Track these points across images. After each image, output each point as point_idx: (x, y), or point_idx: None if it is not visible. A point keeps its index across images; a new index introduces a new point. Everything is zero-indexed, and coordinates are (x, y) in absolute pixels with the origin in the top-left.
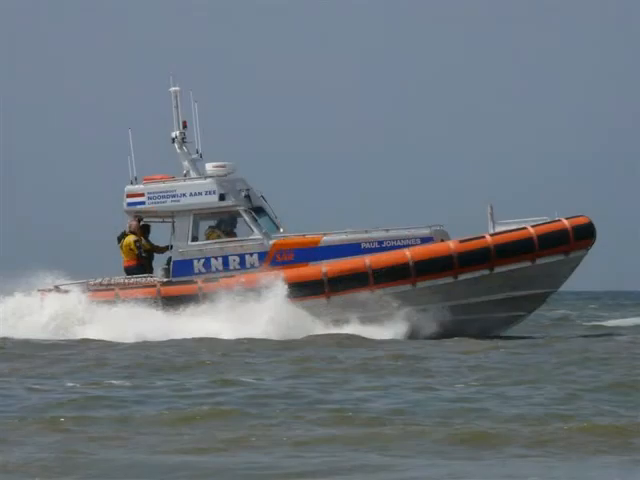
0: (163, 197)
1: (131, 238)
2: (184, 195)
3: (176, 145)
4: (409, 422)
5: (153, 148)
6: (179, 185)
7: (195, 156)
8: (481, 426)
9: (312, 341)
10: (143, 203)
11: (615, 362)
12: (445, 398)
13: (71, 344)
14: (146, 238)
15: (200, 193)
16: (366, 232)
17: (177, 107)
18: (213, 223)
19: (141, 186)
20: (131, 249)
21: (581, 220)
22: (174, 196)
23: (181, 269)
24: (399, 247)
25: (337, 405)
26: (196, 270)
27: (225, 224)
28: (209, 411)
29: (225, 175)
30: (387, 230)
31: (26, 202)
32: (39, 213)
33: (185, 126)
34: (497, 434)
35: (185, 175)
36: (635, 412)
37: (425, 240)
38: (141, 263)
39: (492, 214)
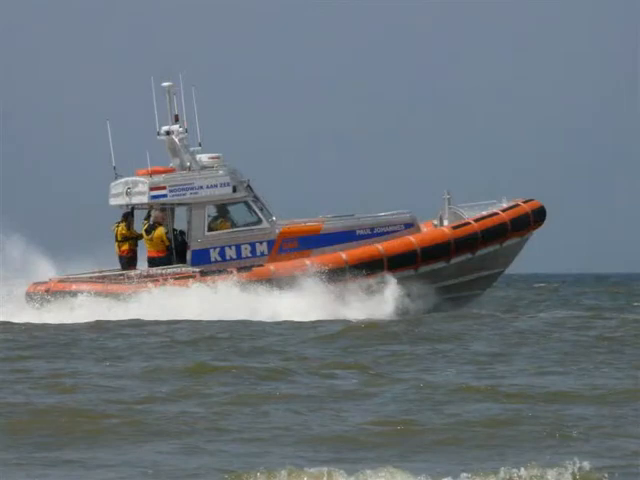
0: (183, 190)
1: (162, 230)
2: (201, 187)
3: (176, 139)
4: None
5: (139, 141)
6: (197, 178)
7: (197, 148)
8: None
9: None
10: (165, 196)
11: None
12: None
13: None
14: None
15: (216, 185)
16: (358, 218)
17: (170, 102)
18: (215, 214)
19: (161, 179)
20: (162, 241)
21: (536, 204)
22: (192, 188)
23: (199, 258)
24: (387, 233)
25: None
26: (212, 259)
27: (227, 214)
28: None
29: (225, 166)
30: (376, 216)
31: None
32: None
33: (177, 120)
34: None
35: (189, 168)
36: None
37: (408, 226)
38: (170, 254)
39: (449, 199)
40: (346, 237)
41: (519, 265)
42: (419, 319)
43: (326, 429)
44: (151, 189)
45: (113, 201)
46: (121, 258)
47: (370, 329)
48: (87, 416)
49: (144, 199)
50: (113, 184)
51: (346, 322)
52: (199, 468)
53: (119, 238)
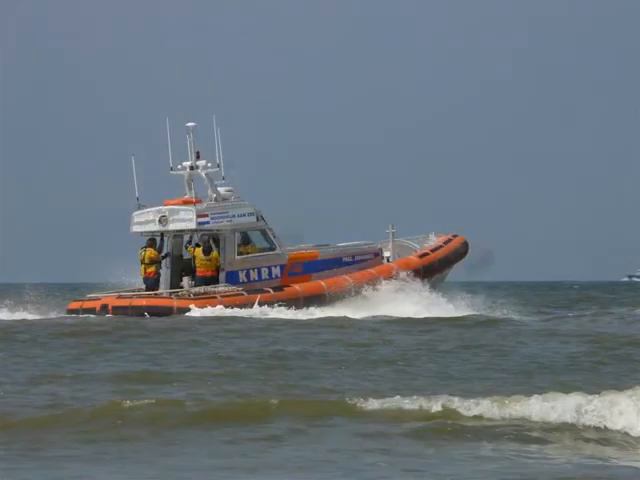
0: (221, 217)
1: (216, 252)
2: (234, 216)
3: (202, 173)
4: None
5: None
6: (230, 207)
7: (221, 182)
8: None
9: None
10: (208, 222)
11: None
12: None
13: None
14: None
15: (244, 215)
16: (344, 248)
17: (193, 140)
18: (240, 241)
19: (204, 207)
20: (217, 260)
21: (462, 238)
22: (227, 217)
23: (230, 279)
24: (364, 260)
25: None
26: (240, 280)
27: (249, 240)
28: None
29: (238, 197)
30: (356, 246)
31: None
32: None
33: (198, 157)
34: None
35: (216, 199)
36: None
37: (375, 255)
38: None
39: (393, 233)
40: (335, 263)
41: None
42: None
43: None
44: (198, 216)
45: (139, 228)
46: (147, 279)
47: None
48: None
49: (191, 225)
50: (137, 213)
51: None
52: None
53: (146, 261)
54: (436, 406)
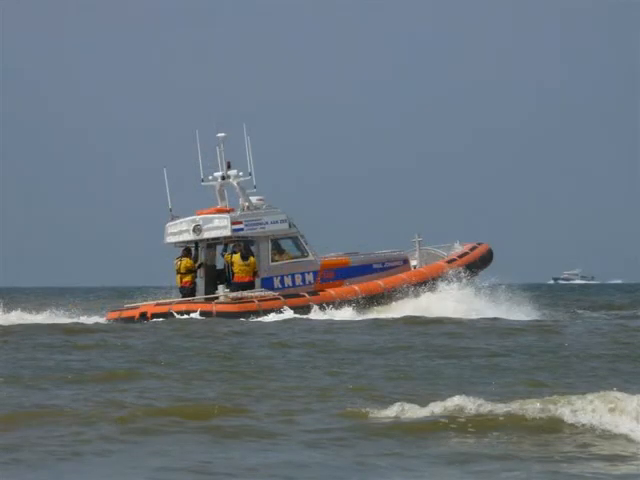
0: (254, 224)
1: (253, 258)
2: (267, 223)
3: (234, 182)
4: None
5: (191, 186)
6: (263, 215)
7: (253, 190)
8: None
9: None
10: (242, 229)
11: None
12: None
13: None
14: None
15: (277, 222)
16: (376, 254)
17: (223, 150)
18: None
19: (238, 214)
20: (254, 266)
21: (486, 246)
22: (260, 224)
23: (265, 284)
24: (393, 267)
25: None
26: (275, 286)
27: (281, 247)
28: None
29: (270, 206)
30: (385, 253)
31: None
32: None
33: (229, 167)
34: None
35: (248, 208)
36: None
37: (404, 262)
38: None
39: (420, 242)
40: (366, 270)
41: None
42: None
43: None
44: (232, 223)
45: (173, 239)
46: (183, 289)
47: None
48: None
49: (226, 232)
50: (170, 224)
51: None
52: None
53: (183, 271)
54: (446, 404)
